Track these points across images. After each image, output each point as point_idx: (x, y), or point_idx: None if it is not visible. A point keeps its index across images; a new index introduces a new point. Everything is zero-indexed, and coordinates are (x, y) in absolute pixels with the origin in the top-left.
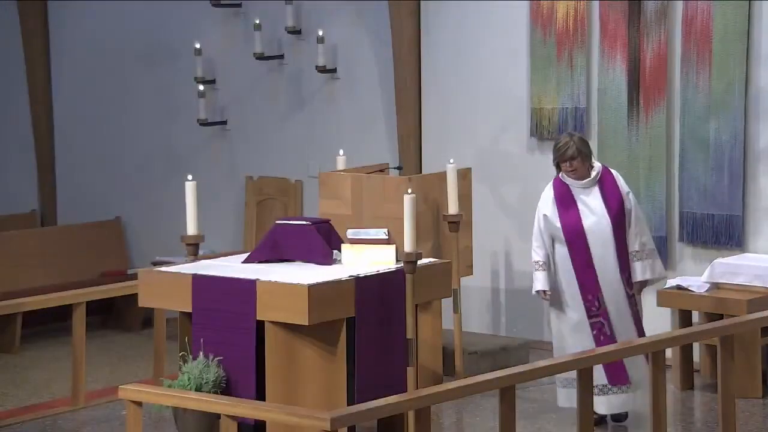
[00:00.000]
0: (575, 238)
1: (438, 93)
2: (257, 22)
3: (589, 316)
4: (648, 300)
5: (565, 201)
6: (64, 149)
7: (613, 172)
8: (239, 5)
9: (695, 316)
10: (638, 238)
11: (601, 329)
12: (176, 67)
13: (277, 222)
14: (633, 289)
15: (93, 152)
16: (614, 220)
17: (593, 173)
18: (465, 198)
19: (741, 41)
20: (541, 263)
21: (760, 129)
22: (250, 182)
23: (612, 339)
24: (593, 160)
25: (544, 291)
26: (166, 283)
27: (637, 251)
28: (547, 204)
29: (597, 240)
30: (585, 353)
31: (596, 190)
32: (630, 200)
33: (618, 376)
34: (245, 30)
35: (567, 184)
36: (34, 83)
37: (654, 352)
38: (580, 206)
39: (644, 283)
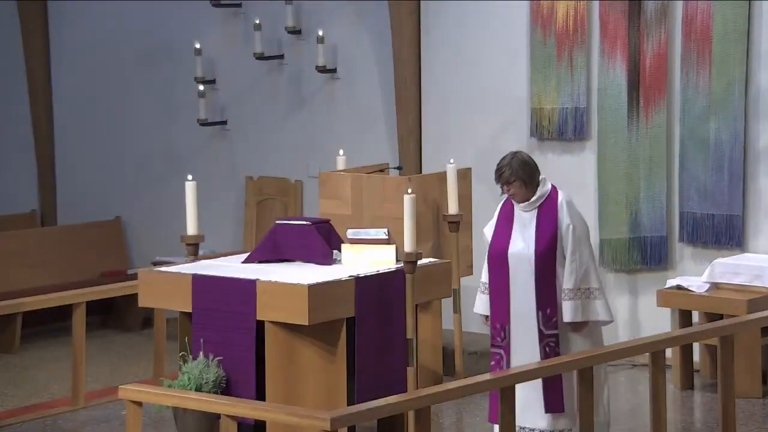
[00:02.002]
0: (497, 261)
1: (438, 93)
2: (257, 22)
3: (492, 345)
4: (648, 300)
5: (504, 221)
6: (64, 149)
7: (564, 200)
8: (239, 5)
9: (695, 316)
10: (574, 276)
11: (499, 362)
12: (176, 67)
13: (277, 222)
14: (555, 329)
15: (93, 152)
16: (539, 251)
17: (534, 197)
18: (465, 198)
19: (741, 41)
20: (485, 285)
21: (760, 129)
22: (250, 182)
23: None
24: (544, 182)
25: (486, 316)
26: (166, 283)
27: (569, 289)
28: (491, 222)
29: (519, 268)
30: (584, 353)
31: (535, 215)
32: (571, 233)
33: (555, 405)
34: (245, 30)
35: (513, 204)
36: (34, 83)
37: (654, 352)
38: (516, 229)
39: (579, 326)
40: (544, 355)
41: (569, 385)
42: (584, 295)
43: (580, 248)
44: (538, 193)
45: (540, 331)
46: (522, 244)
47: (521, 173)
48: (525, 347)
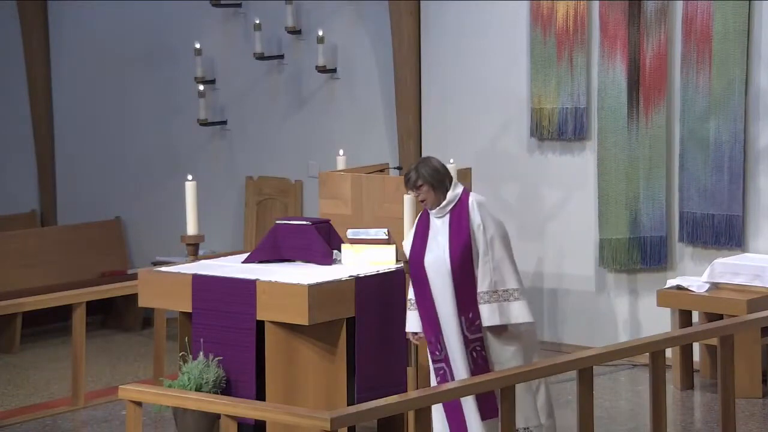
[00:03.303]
0: (416, 272)
1: (438, 93)
2: (257, 22)
3: (433, 361)
4: (648, 300)
5: (420, 232)
6: (64, 149)
7: (475, 200)
8: (239, 5)
9: (695, 316)
10: (488, 278)
11: (444, 377)
12: (176, 67)
13: (277, 222)
14: (479, 333)
15: (93, 152)
16: (454, 255)
17: (444, 202)
18: None
19: (741, 41)
20: (412, 301)
21: (760, 129)
22: (250, 182)
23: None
24: (455, 186)
25: (414, 333)
26: (166, 283)
27: (485, 292)
28: (408, 236)
29: (437, 275)
30: (584, 353)
31: (447, 220)
32: (483, 234)
33: (490, 410)
34: (245, 30)
35: (428, 214)
36: (34, 83)
37: (654, 352)
38: (431, 237)
39: (499, 329)
40: (472, 361)
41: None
42: (502, 297)
43: (492, 248)
44: (449, 197)
45: (465, 337)
46: (437, 251)
47: (428, 177)
48: (457, 355)
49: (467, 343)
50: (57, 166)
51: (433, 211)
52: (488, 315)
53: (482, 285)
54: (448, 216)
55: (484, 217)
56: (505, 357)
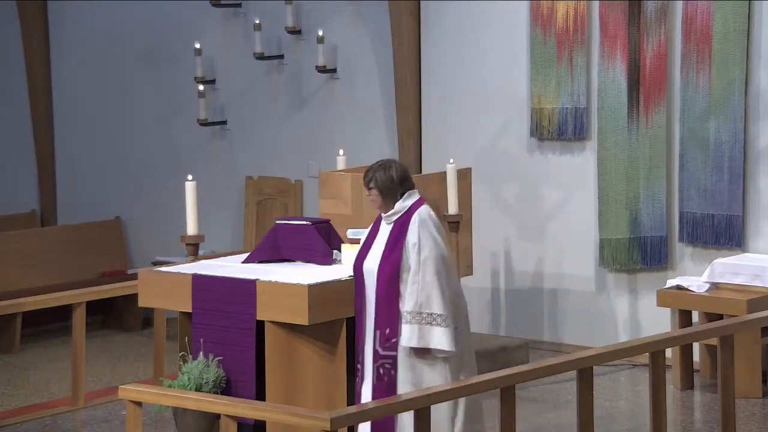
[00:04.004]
0: (356, 276)
1: (438, 93)
2: (257, 22)
3: (356, 361)
4: (648, 300)
5: (371, 234)
6: (64, 149)
7: (419, 217)
8: (239, 5)
9: (695, 316)
10: (414, 298)
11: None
12: (176, 67)
13: (277, 222)
14: (393, 351)
15: (93, 152)
16: (382, 268)
17: (391, 211)
18: (465, 198)
19: (741, 41)
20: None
21: (760, 129)
22: (250, 182)
23: (359, 397)
24: (408, 196)
25: None
26: (166, 283)
27: (408, 312)
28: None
29: (370, 284)
30: (584, 353)
31: (389, 230)
32: (415, 253)
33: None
34: (245, 30)
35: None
36: (34, 83)
37: (654, 352)
38: (375, 244)
39: (421, 352)
40: (377, 376)
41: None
42: (425, 320)
43: (424, 270)
44: (396, 207)
45: (375, 352)
46: (372, 259)
47: (379, 182)
48: (367, 367)
49: (376, 357)
50: (57, 166)
51: (384, 216)
52: (407, 335)
53: (407, 304)
54: (391, 226)
55: (422, 236)
56: (425, 381)
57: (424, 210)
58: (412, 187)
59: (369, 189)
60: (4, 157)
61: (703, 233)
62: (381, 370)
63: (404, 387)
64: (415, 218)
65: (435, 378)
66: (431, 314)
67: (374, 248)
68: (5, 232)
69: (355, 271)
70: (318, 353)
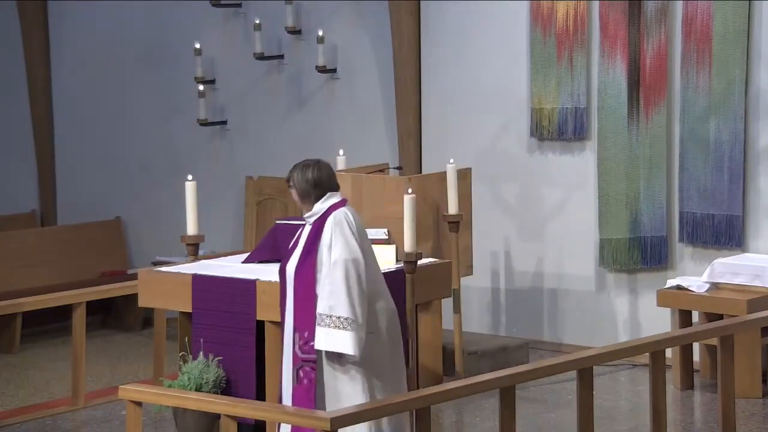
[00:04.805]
0: (280, 278)
1: (438, 93)
2: (257, 22)
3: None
4: (648, 300)
5: (297, 236)
6: (64, 149)
7: (334, 220)
8: (239, 5)
9: (695, 316)
10: (326, 301)
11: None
12: (176, 67)
13: (277, 222)
14: (311, 354)
15: (93, 152)
16: (298, 269)
17: (310, 212)
18: (465, 198)
19: (741, 41)
20: None
21: (760, 129)
22: (250, 182)
23: (280, 401)
24: (327, 198)
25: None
26: (166, 283)
27: (319, 314)
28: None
29: (290, 286)
30: (584, 353)
31: (308, 231)
32: (327, 255)
33: None
34: (245, 30)
35: None
36: (34, 83)
37: (654, 352)
38: (298, 245)
39: (335, 355)
40: (297, 381)
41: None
42: (333, 324)
43: (335, 273)
44: (315, 208)
45: (294, 355)
46: (292, 261)
47: (295, 182)
48: (286, 370)
49: (295, 360)
50: (57, 166)
51: (305, 217)
52: (318, 338)
53: (319, 306)
54: (310, 227)
55: (336, 238)
56: (340, 384)
57: (341, 212)
58: (332, 189)
59: (289, 187)
60: (4, 157)
61: (703, 233)
62: (301, 374)
63: (326, 391)
64: (330, 219)
65: (346, 383)
66: (339, 317)
67: (297, 249)
68: (5, 232)
69: (279, 273)
70: None
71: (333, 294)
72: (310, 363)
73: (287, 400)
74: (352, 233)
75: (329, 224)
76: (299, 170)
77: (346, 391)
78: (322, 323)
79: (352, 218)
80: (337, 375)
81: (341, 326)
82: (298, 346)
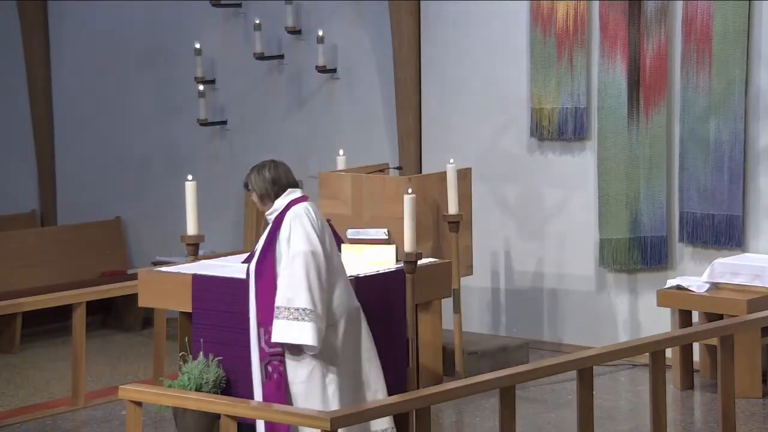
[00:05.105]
0: (246, 276)
1: (438, 93)
2: (257, 22)
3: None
4: (648, 300)
5: (263, 234)
6: (64, 149)
7: (293, 213)
8: (239, 5)
9: (695, 316)
10: (284, 293)
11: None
12: (176, 67)
13: None
14: (276, 348)
15: (93, 152)
16: (258, 264)
17: (270, 210)
18: (465, 198)
19: (741, 41)
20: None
21: (760, 129)
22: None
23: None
24: (286, 195)
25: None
26: (166, 283)
27: (277, 307)
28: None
29: (252, 283)
30: (584, 353)
31: (269, 228)
32: (285, 249)
33: None
34: (245, 30)
35: None
36: (34, 83)
37: (654, 352)
38: (260, 241)
39: (294, 348)
40: (266, 376)
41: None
42: (292, 315)
43: (293, 265)
44: (275, 205)
45: (261, 350)
46: (255, 257)
47: (253, 184)
48: (254, 367)
49: (262, 356)
50: (57, 166)
51: (266, 215)
52: (276, 330)
53: (277, 299)
54: (271, 224)
55: (293, 231)
56: (299, 378)
57: (302, 206)
58: (290, 186)
59: (248, 191)
60: (4, 157)
61: (703, 233)
62: (270, 368)
63: (293, 386)
64: (289, 213)
65: (307, 375)
66: (298, 309)
67: (258, 247)
68: (5, 232)
69: (246, 272)
70: None
71: (291, 286)
72: (278, 357)
73: (258, 396)
74: (312, 226)
75: (288, 217)
76: (255, 172)
77: (304, 386)
78: (280, 315)
79: (312, 213)
80: (297, 367)
81: (300, 317)
82: (263, 341)
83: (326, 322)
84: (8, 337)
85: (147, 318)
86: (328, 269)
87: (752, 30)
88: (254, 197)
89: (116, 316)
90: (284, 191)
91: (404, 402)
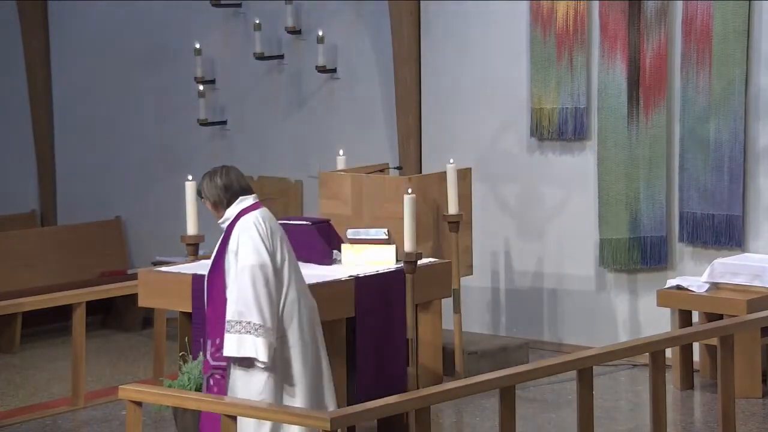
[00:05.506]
0: (203, 286)
1: (438, 93)
2: (257, 22)
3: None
4: (648, 300)
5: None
6: (64, 149)
7: (242, 225)
8: (239, 5)
9: (695, 316)
10: (234, 307)
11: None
12: (176, 67)
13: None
14: (221, 362)
15: (93, 152)
16: (209, 275)
17: (222, 218)
18: (465, 198)
19: (741, 41)
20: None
21: (760, 129)
22: (250, 182)
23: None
24: (238, 203)
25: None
26: (166, 283)
27: (227, 321)
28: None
29: (205, 293)
30: (584, 353)
31: (222, 237)
32: (233, 261)
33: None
34: (245, 30)
35: None
36: (34, 83)
37: (654, 352)
38: (215, 251)
39: (245, 362)
40: (207, 388)
41: None
42: (244, 329)
43: (241, 278)
44: (226, 213)
45: (206, 362)
46: (208, 267)
47: (205, 192)
48: (204, 382)
49: (207, 368)
50: (57, 166)
51: (219, 223)
52: (227, 344)
53: (228, 313)
54: (223, 234)
55: (241, 243)
56: (253, 391)
57: (251, 216)
58: (243, 192)
59: (201, 199)
60: (4, 157)
61: (703, 233)
62: (211, 381)
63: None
64: (238, 225)
65: (259, 390)
66: (249, 323)
67: (212, 257)
68: (5, 232)
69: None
70: None
71: (241, 300)
72: (220, 371)
73: None
74: (261, 238)
75: (237, 229)
76: (207, 179)
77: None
78: (232, 330)
79: (262, 222)
80: (248, 382)
81: (251, 332)
82: (209, 354)
83: (277, 334)
84: (8, 337)
85: (147, 318)
86: (279, 279)
87: (752, 30)
88: (208, 206)
89: (116, 316)
90: (236, 198)
91: (404, 402)
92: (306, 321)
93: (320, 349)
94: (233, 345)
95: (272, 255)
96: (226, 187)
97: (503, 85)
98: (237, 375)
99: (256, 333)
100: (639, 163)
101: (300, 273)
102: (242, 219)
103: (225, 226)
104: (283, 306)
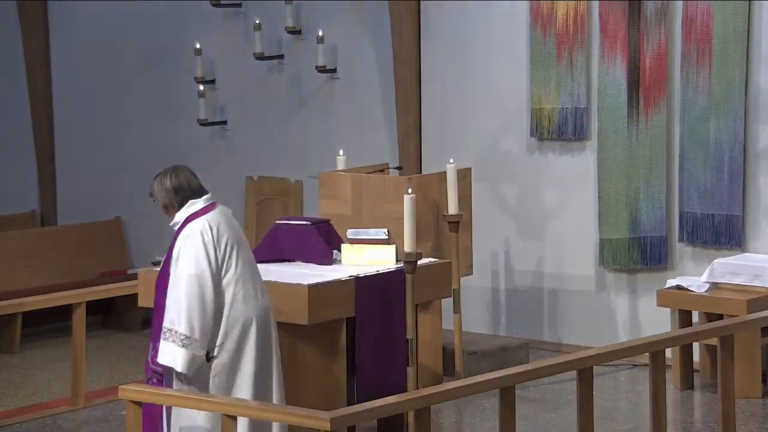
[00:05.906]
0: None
1: (438, 93)
2: (257, 22)
3: None
4: (648, 300)
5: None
6: (64, 149)
7: (185, 233)
8: (239, 5)
9: (695, 316)
10: (168, 316)
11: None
12: (176, 67)
13: (277, 222)
14: (160, 367)
15: (93, 152)
16: (157, 281)
17: (172, 222)
18: (465, 198)
19: (741, 41)
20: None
21: (760, 129)
22: (250, 182)
23: None
24: (187, 207)
25: None
26: None
27: (163, 327)
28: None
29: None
30: (584, 353)
31: (172, 240)
32: (173, 269)
33: None
34: (245, 30)
35: None
36: (34, 83)
37: (654, 352)
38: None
39: (177, 371)
40: None
41: None
42: (171, 338)
43: (177, 287)
44: (176, 217)
45: (147, 364)
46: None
47: (155, 193)
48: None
49: (147, 371)
50: (57, 166)
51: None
52: (160, 351)
53: (165, 321)
54: (172, 238)
55: (182, 251)
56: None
57: (198, 222)
58: (194, 195)
59: (153, 201)
60: (4, 157)
61: (703, 233)
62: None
63: (172, 408)
64: (183, 232)
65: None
66: (177, 332)
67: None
68: (5, 232)
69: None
70: (318, 353)
71: (174, 309)
72: (158, 375)
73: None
74: (204, 245)
75: (180, 237)
76: (157, 181)
77: (189, 411)
78: (164, 336)
79: (209, 228)
80: (183, 389)
81: (176, 341)
82: (150, 357)
83: (217, 342)
84: (8, 337)
85: (147, 318)
86: (220, 287)
87: (752, 30)
88: (160, 208)
89: (116, 316)
90: (187, 201)
91: (404, 402)
92: (256, 325)
93: (273, 352)
94: (164, 353)
95: (216, 262)
96: (175, 189)
97: (503, 85)
98: (175, 383)
99: (180, 343)
100: (639, 163)
101: (256, 273)
102: (189, 225)
103: (175, 229)
104: (229, 311)
